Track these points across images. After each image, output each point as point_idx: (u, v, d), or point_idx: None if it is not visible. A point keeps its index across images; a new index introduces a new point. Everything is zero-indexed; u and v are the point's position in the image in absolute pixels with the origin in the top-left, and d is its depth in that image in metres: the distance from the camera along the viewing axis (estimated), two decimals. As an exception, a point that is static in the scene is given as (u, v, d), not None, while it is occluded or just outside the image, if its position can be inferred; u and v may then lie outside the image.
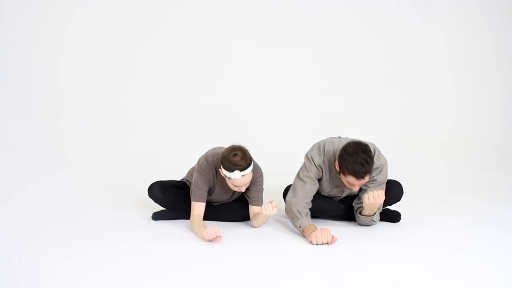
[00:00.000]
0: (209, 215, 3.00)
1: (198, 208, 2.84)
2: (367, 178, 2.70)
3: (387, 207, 3.14)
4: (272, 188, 3.56)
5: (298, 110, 4.87)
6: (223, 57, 4.73)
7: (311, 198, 2.92)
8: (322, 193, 3.04)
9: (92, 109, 4.40)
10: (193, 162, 3.15)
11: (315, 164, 2.89)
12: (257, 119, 4.70)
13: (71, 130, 4.26)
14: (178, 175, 3.21)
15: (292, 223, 2.85)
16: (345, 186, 2.82)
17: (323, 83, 4.96)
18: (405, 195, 3.14)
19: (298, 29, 4.91)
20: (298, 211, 2.81)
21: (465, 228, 2.99)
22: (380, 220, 3.08)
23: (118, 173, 4.03)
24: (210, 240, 2.59)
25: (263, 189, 2.96)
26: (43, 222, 2.88)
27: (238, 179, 2.68)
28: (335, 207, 3.07)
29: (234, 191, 2.96)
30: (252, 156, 2.76)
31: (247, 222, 3.00)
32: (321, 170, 2.91)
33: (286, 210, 2.91)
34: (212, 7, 4.73)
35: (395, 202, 3.12)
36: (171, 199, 2.98)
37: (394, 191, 3.08)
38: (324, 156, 2.90)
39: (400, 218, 3.07)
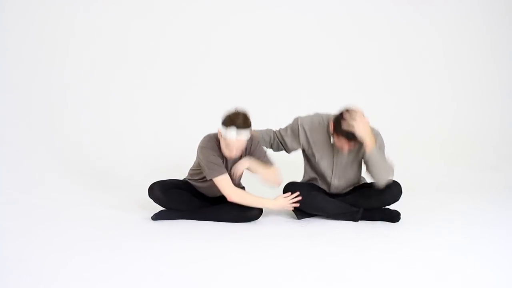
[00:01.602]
0: (208, 216, 3.00)
1: (227, 181, 2.84)
2: (356, 143, 2.91)
3: (386, 207, 3.15)
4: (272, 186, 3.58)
5: (297, 110, 4.86)
6: (223, 57, 4.73)
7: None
8: (316, 165, 3.12)
9: (92, 109, 4.39)
10: (193, 162, 3.15)
11: (299, 125, 3.09)
12: (258, 118, 4.69)
13: (71, 130, 4.26)
14: (178, 175, 3.21)
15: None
16: (337, 148, 3.01)
17: (320, 84, 4.96)
18: (405, 195, 3.14)
19: (296, 30, 4.91)
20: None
21: (464, 228, 2.99)
22: (380, 219, 3.09)
23: (118, 173, 4.03)
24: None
25: (268, 155, 3.01)
26: (44, 223, 2.88)
27: (232, 139, 2.71)
28: (335, 205, 3.08)
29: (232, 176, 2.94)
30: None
31: (247, 222, 3.00)
32: (304, 133, 3.08)
33: None
34: (213, 8, 4.73)
35: (394, 202, 3.12)
36: (172, 199, 2.97)
37: (393, 190, 3.09)
38: (316, 117, 3.12)
39: (399, 218, 3.07)
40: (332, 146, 3.07)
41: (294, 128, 3.12)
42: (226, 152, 2.81)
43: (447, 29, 5.24)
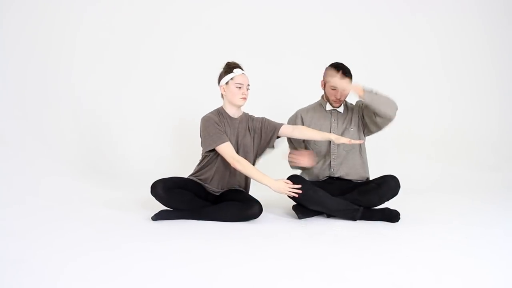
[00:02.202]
0: (208, 215, 3.01)
1: (227, 148, 2.92)
2: (348, 81, 3.17)
3: (386, 205, 3.16)
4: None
5: (295, 109, 4.87)
6: (222, 57, 4.72)
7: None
8: (315, 145, 3.31)
9: (93, 109, 4.39)
10: (193, 161, 3.16)
11: (296, 114, 3.39)
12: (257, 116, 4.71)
13: (72, 130, 4.26)
14: (179, 174, 3.21)
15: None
16: (332, 101, 3.26)
17: (316, 84, 4.96)
18: (404, 195, 3.16)
19: (295, 30, 4.92)
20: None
21: (463, 228, 3.00)
22: (380, 219, 3.10)
23: (118, 173, 4.03)
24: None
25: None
26: (44, 223, 2.88)
27: (240, 75, 3.01)
28: (336, 201, 3.09)
29: (239, 146, 3.07)
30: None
31: (247, 222, 3.01)
32: (300, 118, 3.36)
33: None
34: (215, 7, 4.73)
35: (392, 197, 3.13)
36: (173, 198, 2.97)
37: (390, 184, 3.11)
38: (309, 105, 3.43)
39: (399, 218, 3.08)
40: (330, 115, 3.33)
41: (292, 118, 3.42)
42: (239, 94, 3.00)
43: (444, 28, 5.25)
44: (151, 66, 4.60)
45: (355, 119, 3.34)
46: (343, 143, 3.15)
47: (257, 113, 3.21)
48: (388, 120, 3.14)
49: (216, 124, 2.98)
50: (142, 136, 4.43)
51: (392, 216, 3.09)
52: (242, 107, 3.16)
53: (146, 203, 3.14)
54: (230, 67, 3.05)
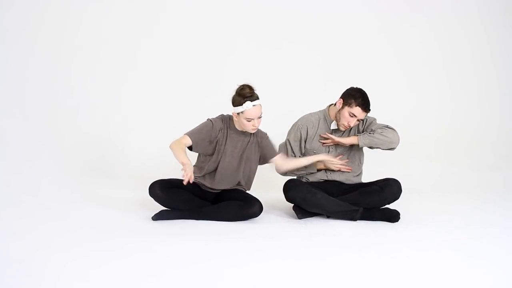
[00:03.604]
0: (208, 215, 3.00)
1: (187, 139, 2.97)
2: (367, 114, 3.15)
3: (386, 206, 3.16)
4: (272, 186, 3.58)
5: (295, 109, 4.86)
6: (222, 56, 4.73)
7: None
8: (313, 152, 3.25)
9: (93, 109, 4.39)
10: (193, 161, 3.15)
11: (298, 125, 3.28)
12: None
13: (71, 130, 4.26)
14: (179, 175, 3.20)
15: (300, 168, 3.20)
16: (342, 124, 3.15)
17: (319, 83, 4.96)
18: (404, 195, 3.16)
19: (295, 30, 4.92)
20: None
21: (463, 228, 3.00)
22: (379, 219, 3.10)
23: (118, 173, 4.03)
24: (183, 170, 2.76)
25: (274, 144, 3.21)
26: (44, 223, 2.88)
27: (250, 110, 2.90)
28: (335, 203, 3.09)
29: (242, 157, 3.07)
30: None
31: (247, 221, 3.01)
32: (305, 130, 3.25)
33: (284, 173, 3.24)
34: (213, 5, 4.73)
35: (394, 200, 3.14)
36: (172, 198, 2.97)
37: (393, 188, 3.11)
38: (311, 115, 3.32)
39: (399, 218, 3.08)
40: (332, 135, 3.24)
41: (296, 135, 3.28)
42: (249, 126, 2.96)
43: (445, 28, 5.25)
44: (151, 66, 4.59)
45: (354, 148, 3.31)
46: (339, 153, 3.25)
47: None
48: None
49: (210, 130, 3.02)
50: (142, 137, 4.43)
51: (392, 216, 3.09)
52: None
53: (146, 203, 3.15)
54: (242, 98, 2.91)
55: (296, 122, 3.33)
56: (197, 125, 3.06)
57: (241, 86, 2.95)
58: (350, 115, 3.11)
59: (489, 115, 5.26)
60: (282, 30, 4.86)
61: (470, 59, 5.30)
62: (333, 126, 3.26)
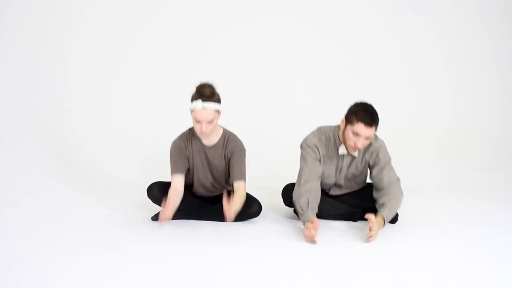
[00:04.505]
0: (208, 215, 3.00)
1: (175, 181, 2.85)
2: (373, 130, 2.78)
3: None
4: (272, 186, 3.58)
5: (294, 111, 4.88)
6: (222, 56, 4.74)
7: (318, 181, 2.92)
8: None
9: (92, 109, 4.39)
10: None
11: (309, 145, 2.95)
12: (257, 118, 4.71)
13: (71, 130, 4.26)
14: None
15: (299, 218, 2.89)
16: (349, 146, 2.85)
17: (319, 84, 4.97)
18: (404, 195, 3.15)
19: (293, 30, 4.92)
20: (301, 207, 2.84)
21: (464, 228, 2.99)
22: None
23: (118, 174, 4.03)
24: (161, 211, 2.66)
25: (245, 165, 2.92)
26: (44, 223, 2.88)
27: (199, 110, 2.67)
28: (335, 207, 3.08)
29: (211, 168, 2.93)
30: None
31: (246, 222, 3.00)
32: (317, 149, 2.96)
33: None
34: (210, 5, 4.73)
35: None
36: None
37: None
38: (320, 133, 2.99)
39: (397, 219, 3.08)
40: (341, 160, 3.01)
41: (316, 155, 2.97)
42: (197, 128, 2.74)
43: (445, 28, 5.25)
44: (151, 67, 4.60)
45: (362, 167, 3.09)
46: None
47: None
48: None
49: (178, 152, 2.89)
50: (142, 137, 4.43)
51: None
52: (212, 137, 2.89)
53: (145, 204, 3.14)
54: (196, 95, 2.73)
55: (306, 144, 2.99)
56: (170, 155, 2.94)
57: (202, 83, 2.76)
58: (354, 134, 2.81)
59: (489, 115, 5.26)
60: (279, 34, 4.87)
61: (471, 59, 5.30)
62: (342, 150, 2.97)
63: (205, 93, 2.71)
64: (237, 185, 2.88)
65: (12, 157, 3.84)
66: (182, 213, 2.99)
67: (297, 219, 3.12)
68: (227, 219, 2.61)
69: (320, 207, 3.04)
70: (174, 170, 2.89)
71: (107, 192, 3.64)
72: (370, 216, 2.70)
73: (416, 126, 5.02)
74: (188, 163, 2.96)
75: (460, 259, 2.44)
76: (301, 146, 3.01)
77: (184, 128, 3.04)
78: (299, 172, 2.98)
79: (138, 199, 3.38)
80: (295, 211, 3.15)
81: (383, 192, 2.94)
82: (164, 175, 3.21)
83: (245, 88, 4.76)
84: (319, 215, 3.13)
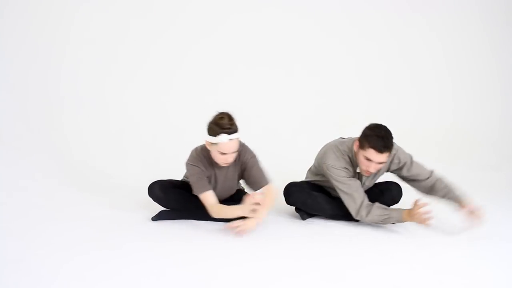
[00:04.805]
0: (208, 215, 2.99)
1: (209, 198, 2.77)
2: (385, 155, 2.70)
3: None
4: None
5: (296, 110, 4.88)
6: (223, 57, 4.73)
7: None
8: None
9: (92, 109, 4.39)
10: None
11: (339, 169, 2.88)
12: (257, 119, 4.70)
13: (71, 130, 4.25)
14: (178, 175, 3.21)
15: (388, 222, 2.85)
16: (362, 169, 2.80)
17: (320, 84, 4.96)
18: (404, 195, 3.16)
19: (295, 32, 4.92)
20: (381, 214, 2.82)
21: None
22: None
23: (118, 173, 4.02)
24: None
25: (262, 168, 2.88)
26: (43, 223, 2.88)
27: (225, 143, 2.59)
28: (335, 206, 3.08)
29: (235, 179, 2.93)
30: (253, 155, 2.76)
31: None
32: (347, 169, 2.90)
33: (370, 222, 2.88)
34: (214, 10, 4.73)
35: (393, 204, 3.14)
36: (171, 198, 2.96)
37: (393, 192, 3.13)
38: (340, 153, 2.91)
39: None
40: (358, 177, 2.96)
41: (348, 174, 2.90)
42: (223, 160, 2.69)
43: (447, 27, 5.25)
44: (152, 68, 4.59)
45: (381, 174, 3.06)
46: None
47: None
48: None
49: (200, 172, 2.79)
50: (142, 136, 4.43)
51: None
52: None
53: (145, 204, 3.14)
54: (218, 128, 2.60)
55: (333, 167, 2.88)
56: (191, 176, 2.81)
57: (220, 114, 2.64)
58: (366, 159, 2.73)
59: (490, 115, 5.26)
60: (281, 37, 4.87)
61: (472, 59, 5.30)
62: (359, 170, 2.89)
63: (227, 125, 2.61)
64: (266, 189, 2.84)
65: (11, 157, 3.84)
66: (182, 213, 2.99)
67: (298, 218, 3.11)
68: (258, 220, 2.66)
69: (321, 208, 3.04)
70: (202, 190, 2.79)
71: (107, 191, 3.64)
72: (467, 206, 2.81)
73: (417, 126, 5.01)
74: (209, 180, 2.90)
75: (459, 259, 2.44)
76: (327, 168, 2.90)
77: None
78: (344, 196, 2.87)
79: (138, 199, 3.37)
80: (298, 211, 3.14)
81: (435, 186, 3.00)
82: (165, 174, 3.21)
83: (246, 88, 4.76)
84: (320, 215, 3.13)
